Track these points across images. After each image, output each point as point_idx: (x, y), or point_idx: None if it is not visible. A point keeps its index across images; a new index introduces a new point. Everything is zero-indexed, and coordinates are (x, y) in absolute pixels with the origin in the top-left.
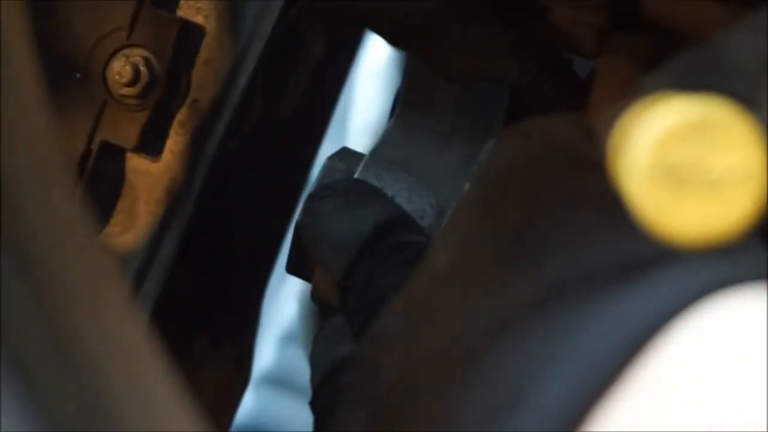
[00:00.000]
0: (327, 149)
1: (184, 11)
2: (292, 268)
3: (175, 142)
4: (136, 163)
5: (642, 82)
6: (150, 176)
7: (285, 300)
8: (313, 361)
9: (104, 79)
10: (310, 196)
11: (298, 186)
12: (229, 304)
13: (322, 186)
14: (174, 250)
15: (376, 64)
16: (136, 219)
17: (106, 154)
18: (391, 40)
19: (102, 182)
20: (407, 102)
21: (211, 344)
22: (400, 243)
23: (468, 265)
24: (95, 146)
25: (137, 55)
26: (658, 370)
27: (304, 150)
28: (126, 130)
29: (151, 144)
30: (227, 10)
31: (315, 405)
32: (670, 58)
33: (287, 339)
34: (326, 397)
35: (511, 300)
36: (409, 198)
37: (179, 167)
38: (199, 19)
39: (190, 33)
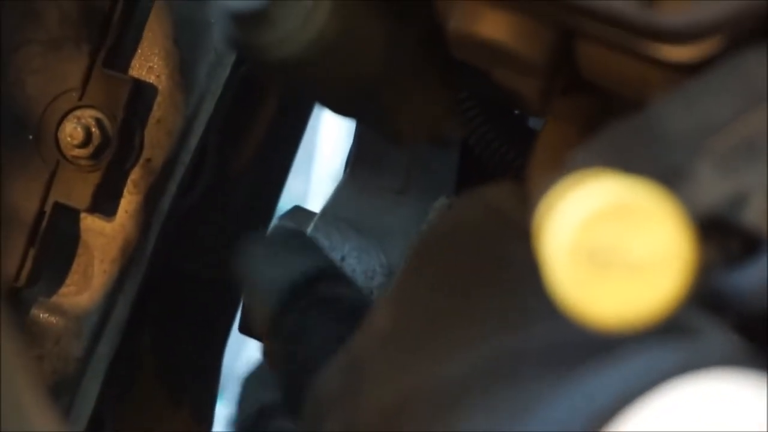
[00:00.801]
0: (295, 187)
1: (136, 71)
2: (244, 329)
3: (129, 202)
4: (90, 223)
5: (573, 155)
6: (104, 236)
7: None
8: (240, 402)
9: (56, 140)
10: (250, 243)
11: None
12: (186, 363)
13: (262, 235)
14: (129, 309)
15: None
16: (91, 279)
17: (60, 215)
18: (335, 109)
19: (56, 243)
20: (358, 160)
21: (170, 401)
22: (331, 295)
23: (410, 328)
24: (48, 207)
25: (89, 116)
26: None
27: (259, 206)
28: (79, 191)
29: (104, 204)
30: (179, 69)
31: None
32: (608, 122)
33: None
34: None
35: (461, 366)
36: (359, 258)
37: (133, 226)
38: (151, 79)
39: (143, 92)
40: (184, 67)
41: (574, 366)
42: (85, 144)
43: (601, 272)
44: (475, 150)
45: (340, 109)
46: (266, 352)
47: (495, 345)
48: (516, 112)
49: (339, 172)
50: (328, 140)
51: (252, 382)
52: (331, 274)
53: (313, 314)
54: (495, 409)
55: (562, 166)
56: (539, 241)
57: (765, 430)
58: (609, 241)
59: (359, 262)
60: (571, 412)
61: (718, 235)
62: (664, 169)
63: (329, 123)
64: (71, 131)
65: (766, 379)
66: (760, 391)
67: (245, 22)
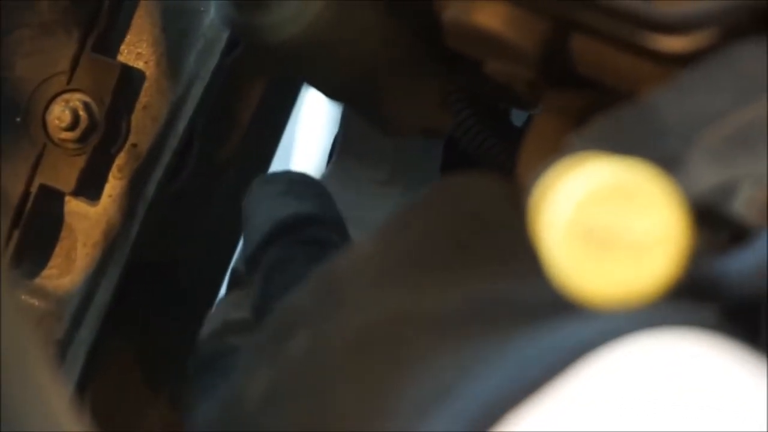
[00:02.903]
0: None
1: (124, 56)
2: None
3: (113, 186)
4: (74, 206)
5: (569, 140)
6: (88, 220)
7: None
8: (206, 323)
9: (44, 123)
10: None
11: (238, 230)
12: (166, 350)
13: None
14: (111, 294)
15: (320, 102)
16: (73, 262)
17: (45, 197)
18: (327, 94)
19: (40, 225)
20: (344, 150)
21: (150, 388)
22: (320, 238)
23: (398, 260)
24: (34, 189)
25: (77, 99)
26: (572, 390)
27: (245, 193)
28: (65, 173)
29: (89, 188)
30: (167, 56)
31: (197, 357)
32: (601, 114)
33: None
34: (211, 348)
35: (438, 303)
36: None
37: (117, 211)
38: (139, 65)
39: (130, 78)
40: (172, 54)
41: (548, 320)
42: (72, 127)
43: (598, 251)
44: (460, 142)
45: (332, 94)
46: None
47: (485, 289)
48: (501, 107)
49: (319, 165)
50: (309, 133)
51: (220, 305)
52: (327, 221)
53: (296, 251)
54: (476, 345)
55: (557, 152)
56: (535, 221)
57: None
58: (606, 221)
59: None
60: (535, 353)
61: (708, 223)
62: (658, 156)
63: (310, 116)
64: (59, 114)
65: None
66: (729, 352)
67: (243, 3)
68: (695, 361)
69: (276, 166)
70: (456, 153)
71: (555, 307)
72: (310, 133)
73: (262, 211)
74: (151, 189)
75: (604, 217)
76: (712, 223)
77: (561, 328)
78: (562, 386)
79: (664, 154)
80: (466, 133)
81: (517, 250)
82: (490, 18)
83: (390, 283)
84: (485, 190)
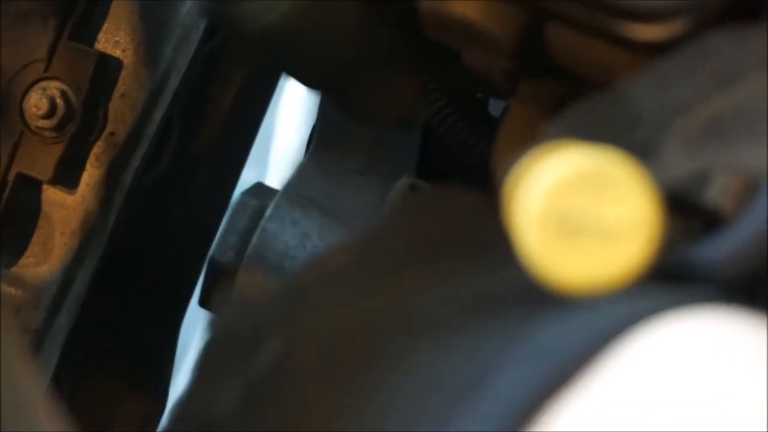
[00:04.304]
0: (248, 175)
1: (102, 45)
2: (204, 302)
3: (91, 175)
4: (51, 195)
5: (544, 129)
6: (65, 208)
7: (202, 333)
8: None
9: (21, 111)
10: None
11: (216, 219)
12: (144, 338)
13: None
14: (88, 283)
15: (298, 90)
16: (51, 251)
17: (22, 186)
18: (304, 82)
19: (17, 214)
20: (322, 139)
21: (126, 377)
22: None
23: (373, 265)
24: (11, 178)
25: (54, 87)
26: (620, 373)
27: (223, 182)
28: (42, 162)
29: (67, 176)
30: (145, 44)
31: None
32: (576, 103)
33: None
34: None
35: (421, 301)
36: (321, 235)
37: (95, 199)
38: (116, 53)
39: (108, 66)
40: (149, 43)
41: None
42: (49, 115)
43: (570, 238)
44: (437, 132)
45: (309, 83)
46: None
47: (470, 283)
48: (479, 96)
49: (298, 155)
50: (288, 123)
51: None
52: None
53: None
54: (481, 338)
55: (532, 140)
56: (509, 209)
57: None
58: (578, 208)
59: (321, 239)
60: (559, 341)
61: (682, 211)
62: (632, 144)
63: (289, 106)
64: (36, 102)
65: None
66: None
67: None
68: (736, 332)
69: (254, 156)
70: (434, 142)
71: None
72: (288, 123)
73: None
74: (128, 177)
75: (576, 204)
76: (686, 211)
77: (579, 313)
78: (604, 370)
79: (638, 142)
80: (443, 122)
81: (494, 246)
82: (467, 7)
83: (365, 287)
84: (455, 196)
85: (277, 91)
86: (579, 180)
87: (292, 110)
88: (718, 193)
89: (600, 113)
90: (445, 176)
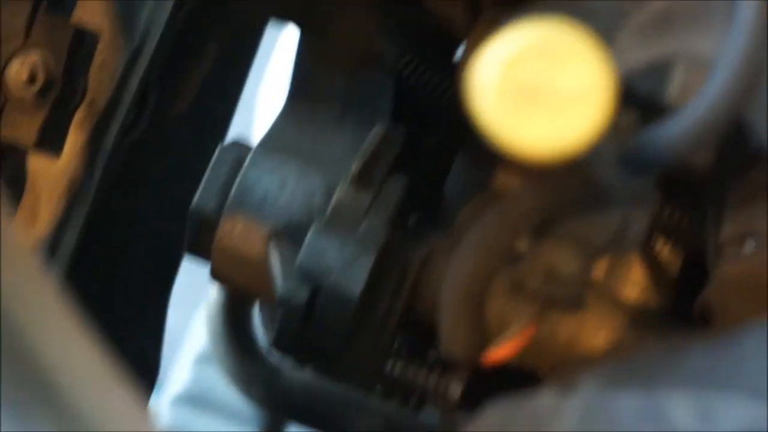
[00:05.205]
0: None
1: (79, 15)
2: (191, 249)
3: (73, 142)
4: (36, 161)
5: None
6: (50, 174)
7: (199, 323)
8: None
9: (2, 81)
10: None
11: (195, 179)
12: (130, 301)
13: None
14: (74, 247)
15: (284, 56)
16: (37, 216)
17: (7, 153)
18: (277, 13)
19: (4, 181)
20: (295, 92)
21: (111, 342)
22: None
23: None
24: None
25: (34, 56)
26: None
27: (202, 144)
28: (25, 129)
29: (50, 143)
30: (120, 13)
31: None
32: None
33: (202, 359)
34: None
35: None
36: (299, 179)
37: (78, 164)
38: (93, 23)
39: (85, 36)
40: (125, 11)
41: None
42: (30, 83)
43: (527, 108)
44: (408, 80)
45: (282, 14)
46: None
47: None
48: (443, 42)
49: None
50: (273, 86)
51: None
52: None
53: None
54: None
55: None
56: (468, 84)
57: None
58: (535, 78)
59: (299, 183)
60: None
61: (637, 104)
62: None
63: (275, 70)
64: (17, 70)
65: None
66: None
67: None
68: None
69: (238, 119)
70: (406, 88)
71: None
72: (274, 86)
73: None
74: (109, 141)
75: (533, 74)
76: (642, 104)
77: None
78: None
79: (593, 34)
80: (413, 71)
81: None
82: None
83: None
84: None
85: (259, 57)
86: (533, 52)
87: (279, 74)
88: (677, 89)
89: (557, 8)
90: (418, 121)
